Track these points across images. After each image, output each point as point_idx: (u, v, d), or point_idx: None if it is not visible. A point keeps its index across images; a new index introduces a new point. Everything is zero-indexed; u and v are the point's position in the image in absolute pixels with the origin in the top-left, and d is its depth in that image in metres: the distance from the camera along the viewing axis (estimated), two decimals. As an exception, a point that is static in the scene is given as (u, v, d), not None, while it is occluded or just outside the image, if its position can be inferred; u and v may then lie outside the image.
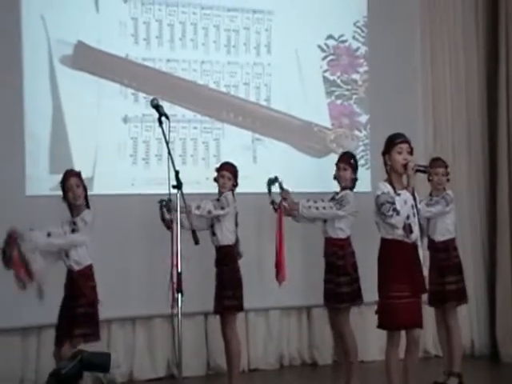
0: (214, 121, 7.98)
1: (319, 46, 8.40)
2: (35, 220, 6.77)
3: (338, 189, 6.91)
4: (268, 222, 6.96)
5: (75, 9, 7.46)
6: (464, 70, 8.95)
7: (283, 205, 6.79)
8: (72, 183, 6.05)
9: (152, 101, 5.05)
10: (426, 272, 5.76)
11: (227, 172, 6.77)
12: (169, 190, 4.77)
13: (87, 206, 6.11)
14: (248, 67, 8.13)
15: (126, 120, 7.65)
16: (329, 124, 8.43)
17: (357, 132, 8.52)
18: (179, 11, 7.88)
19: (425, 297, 6.30)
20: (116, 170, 7.54)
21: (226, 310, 6.63)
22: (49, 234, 5.89)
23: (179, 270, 4.84)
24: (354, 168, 6.86)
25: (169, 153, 4.84)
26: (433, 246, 7.10)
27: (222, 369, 7.45)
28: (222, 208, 6.61)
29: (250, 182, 7.74)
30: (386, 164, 5.68)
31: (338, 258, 6.76)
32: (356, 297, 6.79)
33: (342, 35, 8.49)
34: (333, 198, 6.81)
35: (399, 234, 5.55)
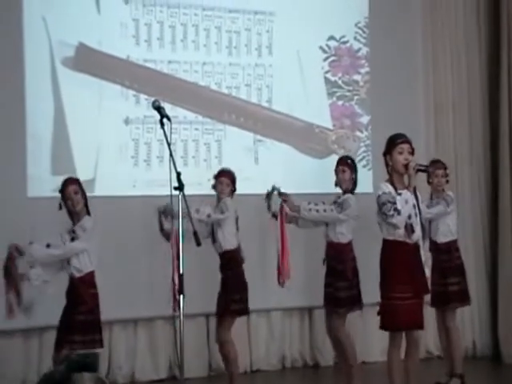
0: (215, 122, 7.98)
1: (320, 47, 8.41)
2: (37, 222, 6.81)
3: (339, 190, 6.90)
4: (270, 223, 6.96)
5: (76, 10, 7.47)
6: (466, 71, 8.95)
7: (284, 208, 6.78)
8: (70, 191, 6.03)
9: (153, 102, 5.04)
10: (428, 273, 5.74)
11: (225, 178, 6.76)
12: (170, 191, 4.76)
13: (88, 212, 6.11)
14: (249, 68, 8.13)
15: (127, 121, 7.65)
16: (330, 125, 8.43)
17: (358, 133, 8.52)
18: (180, 13, 7.89)
19: (427, 297, 6.30)
20: (117, 171, 7.54)
21: (232, 313, 6.63)
22: (48, 246, 5.88)
23: (181, 272, 4.83)
24: (353, 168, 6.86)
25: (170, 154, 4.83)
26: (435, 247, 7.10)
27: (223, 370, 7.41)
28: (222, 212, 6.60)
29: (252, 184, 7.76)
30: (387, 164, 5.68)
31: (338, 263, 6.75)
32: (354, 302, 6.77)
33: (343, 36, 8.49)
34: (334, 202, 6.80)
35: (401, 234, 5.55)
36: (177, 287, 4.92)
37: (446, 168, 7.25)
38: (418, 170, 5.63)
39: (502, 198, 8.77)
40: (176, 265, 5.14)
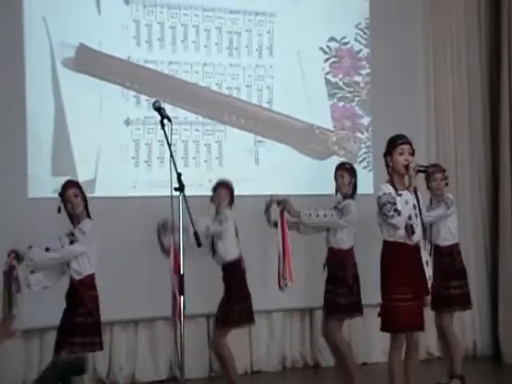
0: (216, 123, 7.98)
1: (321, 48, 8.41)
2: (37, 222, 6.81)
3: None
4: (271, 230, 6.96)
5: (77, 11, 7.46)
6: (466, 72, 8.96)
7: (285, 214, 6.77)
8: (70, 194, 6.02)
9: (154, 103, 5.04)
10: (431, 272, 5.71)
11: (223, 189, 6.77)
12: (171, 192, 4.76)
13: (88, 215, 6.10)
14: (250, 69, 8.13)
15: (127, 122, 7.65)
16: (331, 126, 8.43)
17: (359, 134, 8.52)
18: (181, 13, 7.89)
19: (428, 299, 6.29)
20: (118, 172, 7.55)
21: (232, 323, 6.64)
22: (47, 249, 5.88)
23: (181, 273, 4.83)
24: (351, 173, 6.84)
25: (171, 155, 4.83)
26: (437, 250, 7.08)
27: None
28: (221, 224, 6.60)
29: (252, 185, 7.77)
30: (387, 165, 5.68)
31: (339, 269, 6.75)
32: (354, 309, 6.76)
33: (344, 37, 8.50)
34: (335, 207, 6.79)
35: (401, 235, 5.55)
36: (177, 305, 4.93)
37: (444, 171, 7.25)
38: (419, 171, 5.63)
39: (503, 198, 8.78)
40: (175, 280, 5.11)
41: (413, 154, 5.62)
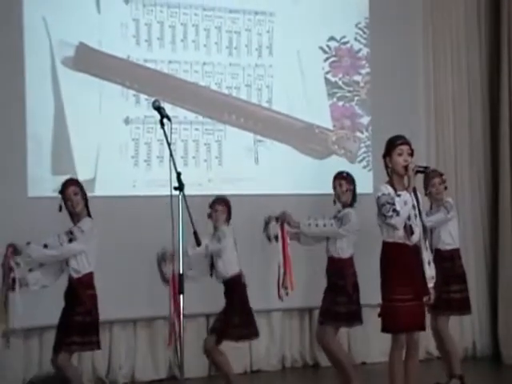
0: (215, 122, 7.98)
1: (321, 48, 8.41)
2: (37, 222, 6.81)
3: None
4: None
5: (77, 10, 7.46)
6: (466, 71, 8.96)
7: (285, 226, 6.77)
8: (70, 192, 6.05)
9: (154, 102, 5.03)
10: (433, 272, 5.71)
11: (220, 206, 6.74)
12: (170, 191, 4.76)
13: (88, 213, 6.11)
14: (250, 69, 8.13)
15: (127, 121, 7.65)
16: (330, 126, 8.42)
17: (358, 133, 8.52)
18: (181, 13, 7.88)
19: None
20: (117, 171, 7.54)
21: (230, 338, 6.63)
22: (45, 246, 5.88)
23: (180, 272, 4.83)
24: (349, 180, 6.81)
25: (170, 154, 4.83)
26: (438, 254, 7.04)
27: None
28: (219, 241, 6.59)
29: (252, 184, 7.77)
30: (386, 166, 5.68)
31: (339, 278, 6.73)
32: (353, 318, 6.74)
33: (343, 37, 8.49)
34: (334, 217, 6.78)
35: (400, 236, 5.55)
36: (176, 328, 4.94)
37: (442, 175, 7.23)
38: (418, 172, 5.62)
39: (503, 198, 8.78)
40: (174, 308, 5.11)
41: (412, 154, 5.62)
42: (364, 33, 8.56)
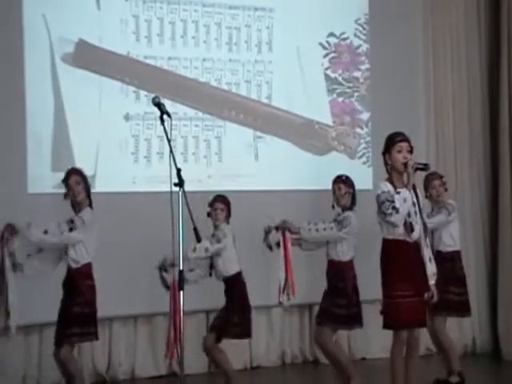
0: (215, 118, 7.98)
1: (320, 44, 8.40)
2: (37, 218, 6.80)
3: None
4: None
5: (76, 7, 7.45)
6: (466, 67, 8.96)
7: (286, 233, 6.77)
8: (72, 181, 6.09)
9: (153, 99, 5.03)
10: (434, 268, 5.71)
11: (220, 204, 6.73)
12: (170, 187, 4.76)
13: (90, 204, 6.13)
14: (249, 65, 8.13)
15: (127, 118, 7.65)
16: (330, 122, 8.42)
17: (358, 129, 8.52)
18: (180, 9, 7.88)
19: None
20: (117, 167, 7.54)
21: (229, 336, 6.64)
22: (45, 232, 5.91)
23: (180, 268, 4.83)
24: (348, 184, 6.80)
25: (170, 151, 4.83)
26: (439, 256, 7.02)
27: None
28: (219, 241, 6.59)
29: (252, 180, 7.77)
30: (386, 163, 5.68)
31: (339, 281, 6.72)
32: (354, 321, 6.73)
33: (343, 33, 8.49)
34: (334, 220, 6.78)
35: (400, 233, 5.56)
36: (173, 341, 4.95)
37: (442, 177, 7.23)
38: (417, 169, 5.62)
39: (502, 193, 8.78)
40: (173, 318, 5.09)
41: (411, 151, 5.62)
42: (364, 29, 8.56)
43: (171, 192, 4.75)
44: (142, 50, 7.74)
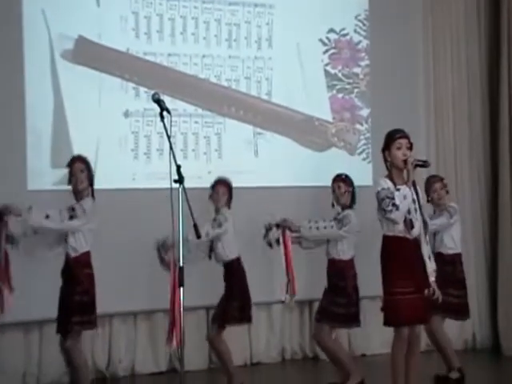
0: (215, 115, 7.97)
1: (320, 40, 8.39)
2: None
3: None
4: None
5: (76, 3, 7.45)
6: (466, 65, 8.95)
7: (286, 232, 6.77)
8: (76, 168, 6.10)
9: (153, 95, 5.03)
10: (434, 265, 5.71)
11: (221, 187, 6.75)
12: (170, 184, 4.76)
13: (92, 194, 6.13)
14: (249, 61, 8.12)
15: (127, 114, 7.65)
16: (330, 118, 8.42)
17: (358, 126, 8.51)
18: (180, 5, 7.87)
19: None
20: (117, 164, 7.54)
21: (230, 321, 6.67)
22: (47, 216, 5.90)
23: (181, 265, 4.83)
24: (348, 182, 6.81)
25: (170, 147, 4.83)
26: (440, 258, 7.01)
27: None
28: (220, 225, 6.59)
29: (252, 177, 7.77)
30: (386, 160, 5.68)
31: (339, 280, 6.74)
32: (352, 320, 6.76)
33: (343, 29, 8.48)
34: (334, 218, 6.78)
35: (400, 230, 5.56)
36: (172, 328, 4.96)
37: (442, 179, 7.22)
38: (417, 166, 5.62)
39: (502, 192, 8.78)
40: (173, 301, 5.11)
41: (411, 148, 5.61)
42: (364, 25, 8.55)
43: (171, 189, 4.75)
44: (141, 47, 7.73)
